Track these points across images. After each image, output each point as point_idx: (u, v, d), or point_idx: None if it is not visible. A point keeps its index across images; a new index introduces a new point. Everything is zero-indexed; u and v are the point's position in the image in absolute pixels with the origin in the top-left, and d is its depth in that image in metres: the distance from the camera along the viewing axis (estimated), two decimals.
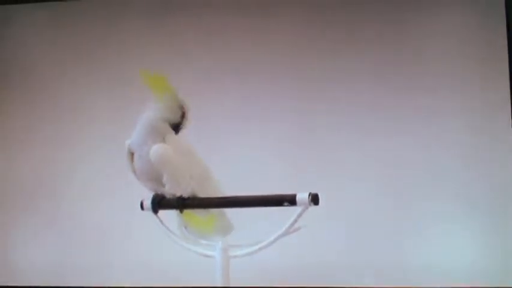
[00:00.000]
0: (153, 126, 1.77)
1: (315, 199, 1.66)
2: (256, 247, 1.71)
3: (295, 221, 1.68)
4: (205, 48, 2.36)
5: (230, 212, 1.80)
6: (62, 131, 2.43)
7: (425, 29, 2.27)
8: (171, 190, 1.74)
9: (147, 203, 1.77)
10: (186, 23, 2.38)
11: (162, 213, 1.79)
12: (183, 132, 1.80)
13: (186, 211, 1.75)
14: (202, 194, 1.76)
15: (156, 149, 1.72)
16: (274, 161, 2.26)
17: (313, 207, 1.68)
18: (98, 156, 2.35)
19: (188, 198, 1.74)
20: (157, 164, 1.72)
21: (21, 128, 2.46)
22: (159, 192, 1.76)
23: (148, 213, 1.78)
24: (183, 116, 1.81)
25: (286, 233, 1.69)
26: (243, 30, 2.36)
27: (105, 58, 2.44)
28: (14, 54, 2.50)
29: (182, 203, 1.74)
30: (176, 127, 1.79)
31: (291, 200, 1.66)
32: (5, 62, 2.50)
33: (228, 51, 2.35)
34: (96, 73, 2.44)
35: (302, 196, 1.65)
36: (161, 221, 1.78)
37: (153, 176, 1.74)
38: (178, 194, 1.74)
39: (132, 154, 1.77)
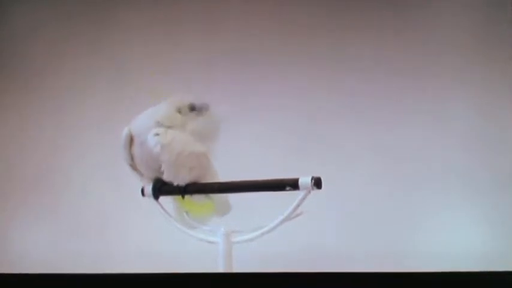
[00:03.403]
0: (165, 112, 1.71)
1: (317, 183, 1.62)
2: (259, 232, 1.69)
3: (298, 205, 1.65)
4: (206, 35, 2.36)
5: (232, 198, 1.79)
6: (61, 121, 2.43)
7: (430, 16, 2.26)
8: (168, 179, 1.70)
9: (148, 189, 1.75)
10: (187, 9, 2.38)
11: (164, 200, 1.78)
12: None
13: (186, 197, 1.73)
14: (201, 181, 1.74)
15: (154, 136, 1.66)
16: (275, 149, 2.25)
17: (316, 193, 1.65)
18: (98, 145, 2.35)
19: (188, 184, 1.71)
20: (155, 151, 1.66)
21: (20, 119, 2.46)
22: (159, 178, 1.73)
23: (150, 199, 1.76)
24: None
25: (289, 218, 1.67)
26: (244, 17, 2.36)
27: (104, 48, 2.44)
28: (11, 47, 2.50)
29: (184, 189, 1.71)
30: None
31: (293, 184, 1.62)
32: (2, 55, 2.50)
33: (229, 38, 2.34)
34: (96, 64, 2.44)
35: (304, 180, 1.61)
36: (162, 207, 1.77)
37: (153, 164, 1.70)
38: (175, 183, 1.71)
39: (131, 140, 1.72)
